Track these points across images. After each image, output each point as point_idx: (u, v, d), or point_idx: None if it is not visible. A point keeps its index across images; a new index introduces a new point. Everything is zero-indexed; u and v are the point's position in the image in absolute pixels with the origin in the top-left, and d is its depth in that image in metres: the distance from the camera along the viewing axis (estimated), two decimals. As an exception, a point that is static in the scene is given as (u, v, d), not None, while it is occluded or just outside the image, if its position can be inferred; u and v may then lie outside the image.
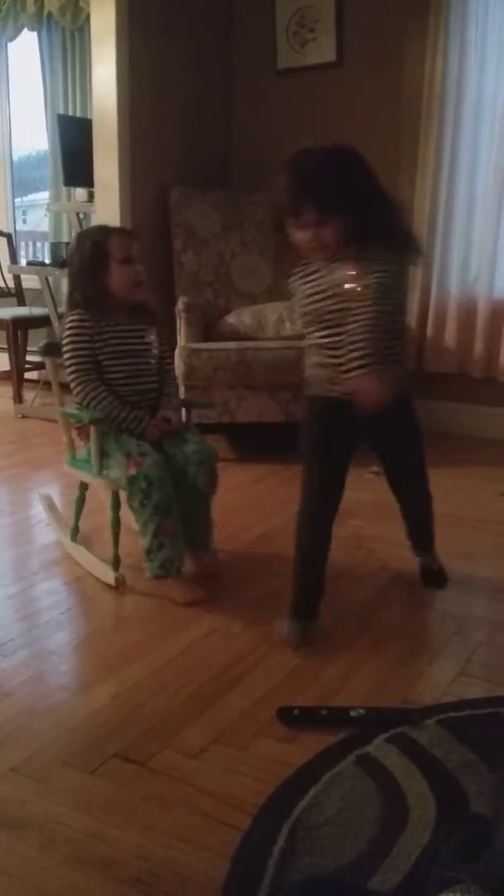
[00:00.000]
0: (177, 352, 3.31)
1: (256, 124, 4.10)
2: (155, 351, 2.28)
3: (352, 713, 1.53)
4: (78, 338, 2.16)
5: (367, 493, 2.96)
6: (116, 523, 2.16)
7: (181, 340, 3.39)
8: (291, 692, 1.64)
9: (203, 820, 1.27)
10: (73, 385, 2.17)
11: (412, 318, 3.69)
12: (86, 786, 1.35)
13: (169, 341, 2.46)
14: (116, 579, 2.15)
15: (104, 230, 2.24)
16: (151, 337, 2.29)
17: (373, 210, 1.83)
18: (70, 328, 2.17)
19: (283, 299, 3.63)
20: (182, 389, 3.31)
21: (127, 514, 2.14)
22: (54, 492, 2.80)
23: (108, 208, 3.65)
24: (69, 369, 2.17)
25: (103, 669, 1.73)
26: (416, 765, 1.39)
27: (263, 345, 3.29)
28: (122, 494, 2.12)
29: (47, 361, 2.34)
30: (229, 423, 3.33)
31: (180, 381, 3.24)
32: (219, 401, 3.28)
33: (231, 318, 3.50)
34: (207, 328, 3.50)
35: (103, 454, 2.14)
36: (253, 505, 2.81)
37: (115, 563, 2.17)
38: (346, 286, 1.82)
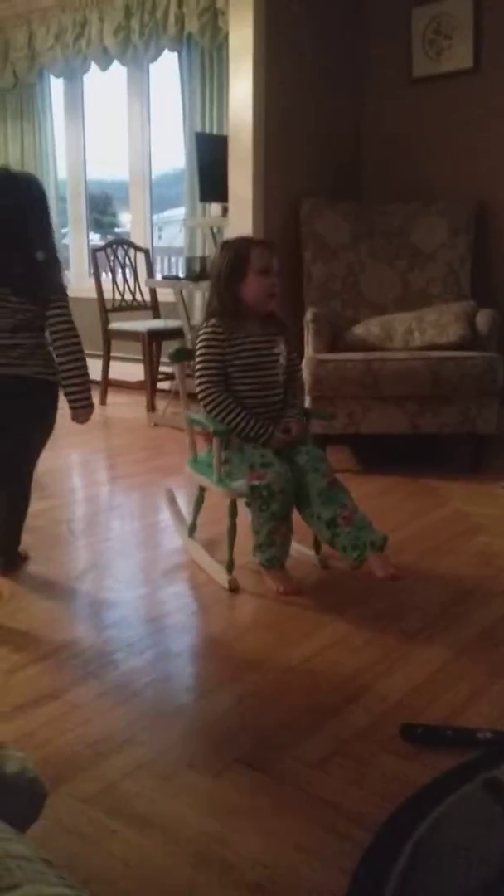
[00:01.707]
0: (303, 362, 3.32)
1: (389, 134, 4.07)
2: (282, 362, 2.31)
3: (479, 735, 1.49)
4: (210, 348, 2.21)
5: (495, 508, 2.88)
6: (233, 529, 2.22)
7: (308, 351, 3.41)
8: (414, 709, 1.61)
9: (323, 832, 1.27)
10: (200, 393, 2.22)
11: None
12: (209, 789, 1.37)
13: (298, 350, 2.49)
14: (230, 582, 2.21)
15: (248, 240, 2.31)
16: (280, 347, 2.31)
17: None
18: (204, 338, 2.23)
19: (412, 309, 3.59)
20: (308, 400, 3.32)
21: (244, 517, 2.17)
22: (181, 495, 2.88)
23: (241, 222, 3.72)
24: (198, 378, 2.23)
25: (227, 674, 1.76)
26: (547, 794, 1.33)
27: (391, 355, 3.26)
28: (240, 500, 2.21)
29: (176, 367, 2.43)
30: (354, 433, 3.31)
31: (307, 391, 3.26)
32: (344, 412, 3.27)
33: (359, 329, 3.49)
34: (335, 339, 3.50)
35: (226, 462, 2.21)
36: (378, 517, 2.75)
37: (230, 566, 2.23)
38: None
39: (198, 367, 2.23)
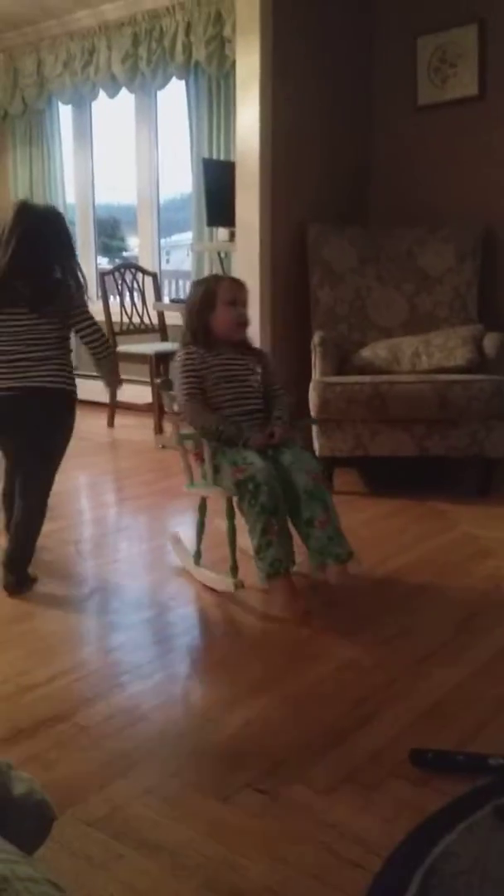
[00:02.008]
0: (311, 385, 3.33)
1: (394, 160, 4.11)
2: (257, 377, 2.46)
3: (490, 761, 1.47)
4: (186, 368, 2.38)
5: (505, 532, 2.86)
6: (232, 531, 2.27)
7: (315, 374, 3.42)
8: (425, 734, 1.59)
9: (332, 858, 1.25)
10: (180, 408, 2.38)
11: None
12: (217, 813, 1.36)
13: (278, 374, 2.63)
14: (235, 584, 2.25)
15: (217, 277, 2.57)
16: (253, 364, 2.48)
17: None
18: (179, 361, 2.41)
19: (419, 333, 3.60)
20: (315, 424, 3.33)
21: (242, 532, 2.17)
22: (187, 520, 2.87)
23: (248, 247, 3.75)
24: (180, 397, 2.38)
25: (235, 697, 1.74)
26: None
27: (398, 378, 3.26)
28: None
29: (164, 395, 2.54)
30: (363, 456, 3.31)
31: (314, 414, 3.27)
32: (352, 434, 3.27)
33: (366, 352, 3.50)
34: (342, 362, 3.51)
35: (217, 472, 2.29)
36: (385, 540, 2.77)
37: (234, 570, 2.26)
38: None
39: (178, 387, 2.39)
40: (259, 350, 2.58)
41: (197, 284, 2.53)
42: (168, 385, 2.51)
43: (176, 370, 2.42)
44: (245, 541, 2.24)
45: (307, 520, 2.21)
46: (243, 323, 2.46)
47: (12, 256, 2.30)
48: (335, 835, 1.30)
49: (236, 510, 2.27)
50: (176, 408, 2.48)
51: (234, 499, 2.24)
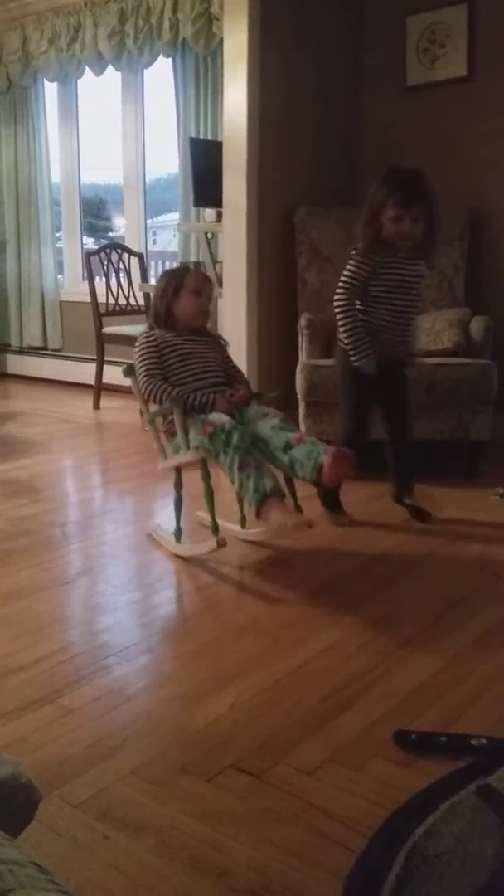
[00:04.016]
0: (298, 368, 3.32)
1: (384, 141, 4.09)
2: (217, 353, 2.61)
3: (473, 741, 1.48)
4: (146, 349, 2.51)
5: (489, 515, 2.89)
6: (209, 491, 2.32)
7: (302, 357, 3.41)
8: (409, 715, 1.60)
9: (317, 838, 1.26)
10: (143, 389, 2.47)
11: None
12: (202, 794, 1.37)
13: (232, 360, 2.74)
14: (218, 542, 2.28)
15: (185, 267, 2.75)
16: (214, 346, 2.62)
17: (435, 224, 2.54)
18: (139, 344, 2.53)
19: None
20: (302, 406, 3.33)
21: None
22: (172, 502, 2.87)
23: (235, 228, 3.73)
24: (140, 377, 2.48)
25: (221, 679, 1.75)
26: (542, 801, 1.33)
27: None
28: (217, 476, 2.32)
29: (131, 380, 2.57)
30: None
31: (301, 397, 3.26)
32: (339, 418, 3.27)
33: (354, 335, 3.48)
34: (329, 345, 3.50)
35: (186, 433, 2.35)
36: (372, 523, 2.78)
37: (214, 528, 2.30)
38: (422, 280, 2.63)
39: (138, 367, 2.50)
40: (216, 335, 2.74)
41: (166, 273, 2.67)
42: (131, 370, 2.55)
43: (136, 352, 2.52)
44: (229, 520, 2.24)
45: (284, 446, 2.28)
46: (205, 312, 2.59)
47: None
48: (320, 815, 1.31)
49: (212, 472, 2.33)
50: (134, 389, 2.55)
51: (213, 458, 2.28)
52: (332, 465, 2.16)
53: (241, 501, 2.56)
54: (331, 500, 2.79)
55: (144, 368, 2.47)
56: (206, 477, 2.33)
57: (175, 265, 4.88)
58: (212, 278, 2.75)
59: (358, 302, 2.61)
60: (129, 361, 2.57)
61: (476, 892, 1.14)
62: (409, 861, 1.20)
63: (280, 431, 2.32)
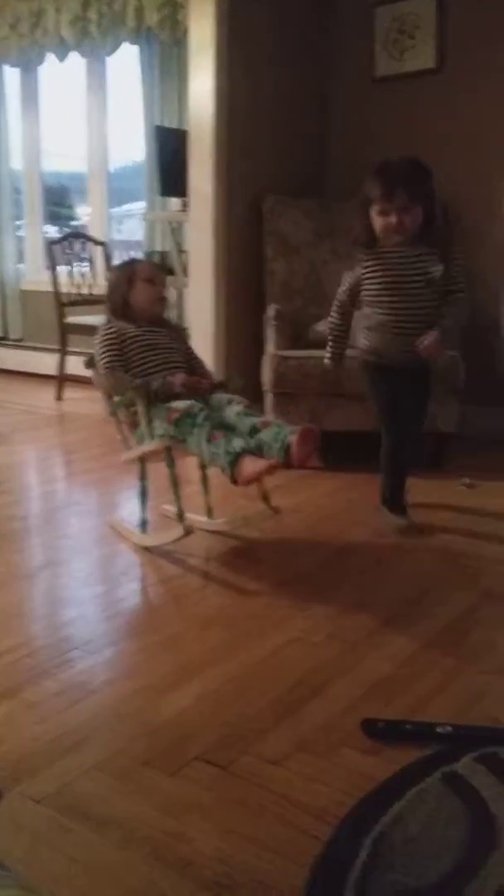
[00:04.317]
0: (265, 359, 3.31)
1: (352, 133, 4.08)
2: (179, 344, 2.62)
3: (438, 729, 1.48)
4: (106, 342, 2.47)
5: (456, 504, 2.90)
6: (174, 478, 2.30)
7: (270, 348, 3.39)
8: (376, 704, 1.60)
9: (283, 827, 1.25)
10: (105, 382, 2.44)
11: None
12: (167, 787, 1.35)
13: (193, 350, 2.74)
14: (185, 529, 2.27)
15: (136, 259, 2.76)
16: (175, 338, 2.62)
17: (435, 210, 2.44)
18: (100, 337, 2.49)
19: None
20: (270, 397, 3.31)
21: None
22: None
23: (201, 217, 3.69)
24: (101, 371, 2.44)
25: (186, 671, 1.73)
26: (507, 787, 1.33)
27: (353, 353, 3.25)
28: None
29: (92, 372, 2.54)
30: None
31: (268, 388, 3.25)
32: (306, 408, 3.27)
33: (320, 326, 3.48)
34: (297, 336, 3.49)
35: (149, 422, 2.33)
36: (340, 514, 2.78)
37: (180, 514, 2.29)
38: (431, 270, 2.47)
39: (99, 359, 2.46)
40: (176, 325, 2.77)
41: (117, 267, 2.70)
42: (92, 362, 2.52)
43: (96, 346, 2.48)
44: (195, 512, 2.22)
45: (250, 429, 2.26)
46: (161, 298, 2.60)
47: None
48: (286, 805, 1.30)
49: (177, 460, 2.33)
50: (95, 381, 2.51)
51: (177, 446, 2.26)
52: (300, 442, 2.15)
53: (206, 490, 2.54)
54: (392, 499, 2.65)
55: (105, 362, 2.44)
56: (171, 464, 2.31)
57: (140, 255, 4.84)
58: (176, 268, 2.73)
59: (367, 302, 2.56)
60: (92, 352, 2.53)
61: (442, 878, 1.14)
62: (375, 848, 1.19)
63: (245, 417, 2.31)
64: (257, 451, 2.20)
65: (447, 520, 2.71)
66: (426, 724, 1.52)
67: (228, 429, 2.26)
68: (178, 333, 2.68)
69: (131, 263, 2.66)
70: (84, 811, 1.28)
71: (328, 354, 2.71)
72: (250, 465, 2.11)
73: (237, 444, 2.15)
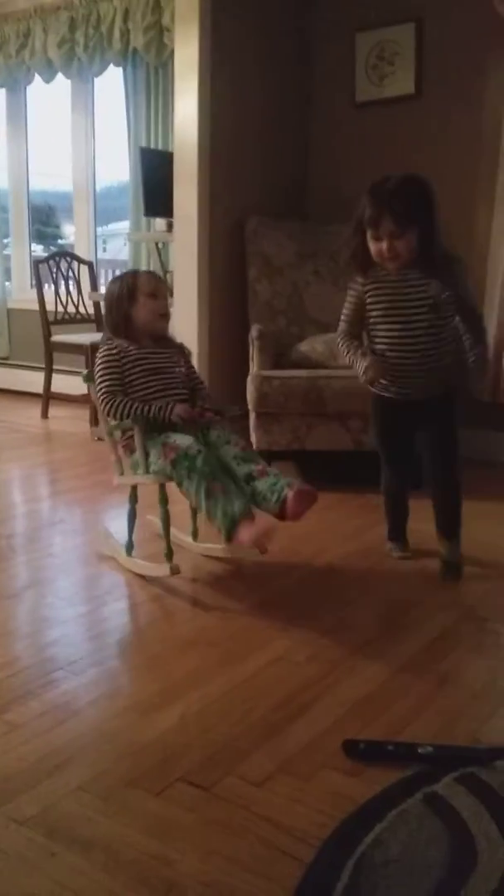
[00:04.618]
0: (248, 379, 3.34)
1: (333, 156, 4.15)
2: (182, 368, 2.51)
3: (420, 750, 1.50)
4: (106, 363, 2.39)
5: (433, 523, 2.92)
6: (166, 516, 2.29)
7: (253, 367, 3.42)
8: (358, 725, 1.62)
9: (265, 849, 1.26)
10: (102, 405, 2.36)
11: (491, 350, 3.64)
12: (150, 808, 1.36)
13: (196, 371, 2.67)
14: (171, 568, 2.26)
15: (135, 271, 2.56)
16: (177, 357, 2.52)
17: (435, 232, 2.21)
18: (100, 356, 2.42)
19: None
20: (253, 416, 3.34)
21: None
22: (123, 513, 2.85)
23: (186, 238, 3.73)
24: (99, 393, 2.37)
25: (170, 692, 1.74)
26: (486, 807, 1.35)
27: (335, 373, 3.29)
28: (171, 489, 2.27)
29: (89, 387, 2.50)
30: (299, 450, 3.33)
31: (251, 408, 3.27)
32: (289, 428, 3.30)
33: (303, 346, 3.52)
34: (279, 356, 3.52)
35: (146, 455, 2.28)
36: (322, 533, 2.80)
37: (169, 554, 2.28)
38: (433, 294, 2.25)
39: (98, 382, 2.39)
40: (180, 344, 2.60)
41: (115, 280, 2.53)
42: (90, 377, 2.47)
43: (97, 366, 2.41)
44: (182, 530, 2.23)
45: (245, 476, 2.22)
46: (165, 314, 2.48)
47: None
48: (269, 826, 1.31)
49: (169, 497, 2.30)
50: (94, 397, 2.47)
51: (174, 483, 2.22)
52: (296, 500, 2.13)
53: (194, 514, 2.54)
54: (389, 533, 2.65)
55: (105, 385, 2.36)
56: (164, 502, 2.29)
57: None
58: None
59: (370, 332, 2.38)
60: (78, 370, 2.54)
61: (423, 899, 1.16)
62: (357, 870, 1.21)
63: (242, 463, 2.26)
64: (251, 502, 2.17)
65: (428, 539, 2.73)
66: (407, 744, 1.53)
67: (225, 471, 2.21)
68: (182, 353, 2.57)
69: (132, 276, 2.49)
70: (69, 833, 1.29)
71: (360, 369, 2.34)
72: (247, 532, 2.07)
73: (237, 506, 2.09)
